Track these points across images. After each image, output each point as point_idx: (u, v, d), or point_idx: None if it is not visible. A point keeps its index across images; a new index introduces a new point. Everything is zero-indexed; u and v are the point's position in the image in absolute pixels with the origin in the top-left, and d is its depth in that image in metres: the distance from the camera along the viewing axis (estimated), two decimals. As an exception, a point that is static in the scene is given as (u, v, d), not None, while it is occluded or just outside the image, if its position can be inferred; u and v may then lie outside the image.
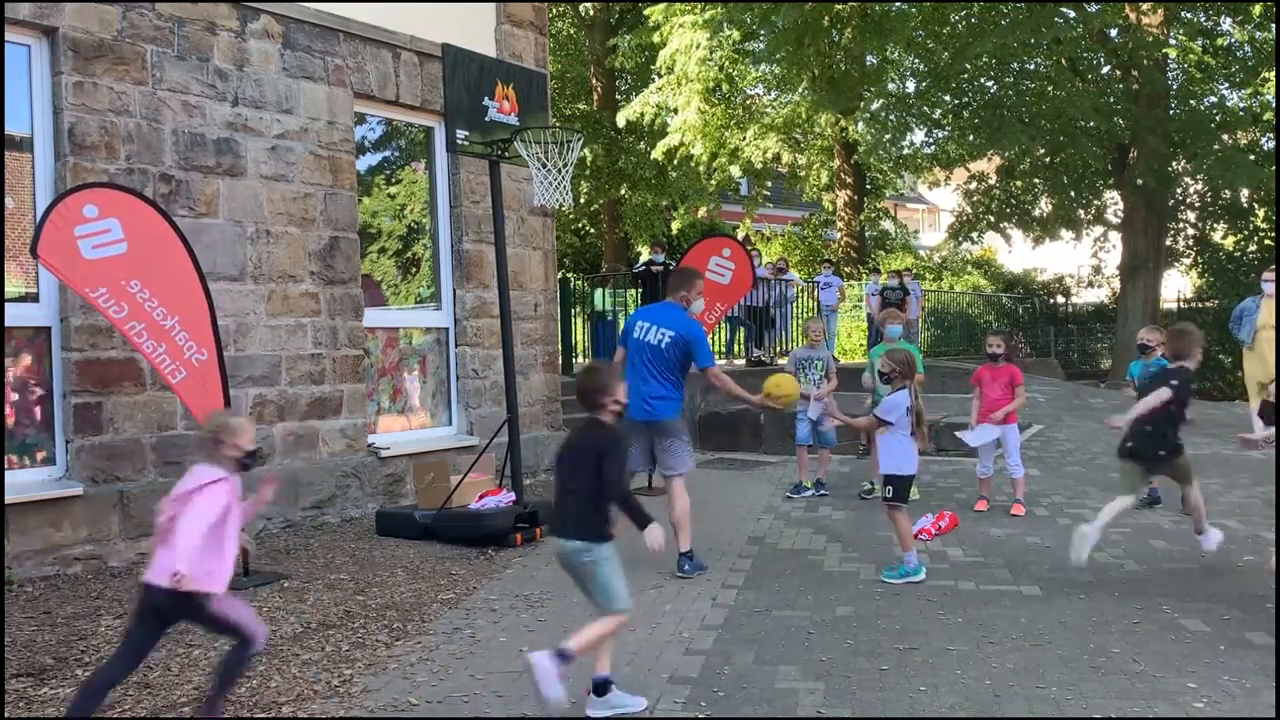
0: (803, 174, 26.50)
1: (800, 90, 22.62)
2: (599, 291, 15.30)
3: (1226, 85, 21.27)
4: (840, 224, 25.94)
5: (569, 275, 18.07)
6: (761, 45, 22.11)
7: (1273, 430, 5.82)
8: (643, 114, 21.44)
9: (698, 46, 20.00)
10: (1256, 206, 23.31)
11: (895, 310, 9.92)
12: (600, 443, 4.17)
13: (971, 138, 21.21)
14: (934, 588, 5.93)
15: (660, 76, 21.57)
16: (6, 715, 4.20)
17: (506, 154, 7.63)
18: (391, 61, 8.72)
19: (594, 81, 25.64)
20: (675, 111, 21.36)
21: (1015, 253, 28.37)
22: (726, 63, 21.32)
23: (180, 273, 6.25)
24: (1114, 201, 23.95)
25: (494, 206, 7.76)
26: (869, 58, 22.58)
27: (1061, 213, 23.44)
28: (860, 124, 22.23)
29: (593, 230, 28.99)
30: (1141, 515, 7.97)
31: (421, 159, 9.43)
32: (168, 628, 3.91)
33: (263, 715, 4.18)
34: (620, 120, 21.94)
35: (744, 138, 22.77)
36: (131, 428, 6.89)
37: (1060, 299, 28.77)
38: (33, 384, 6.64)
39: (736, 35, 21.00)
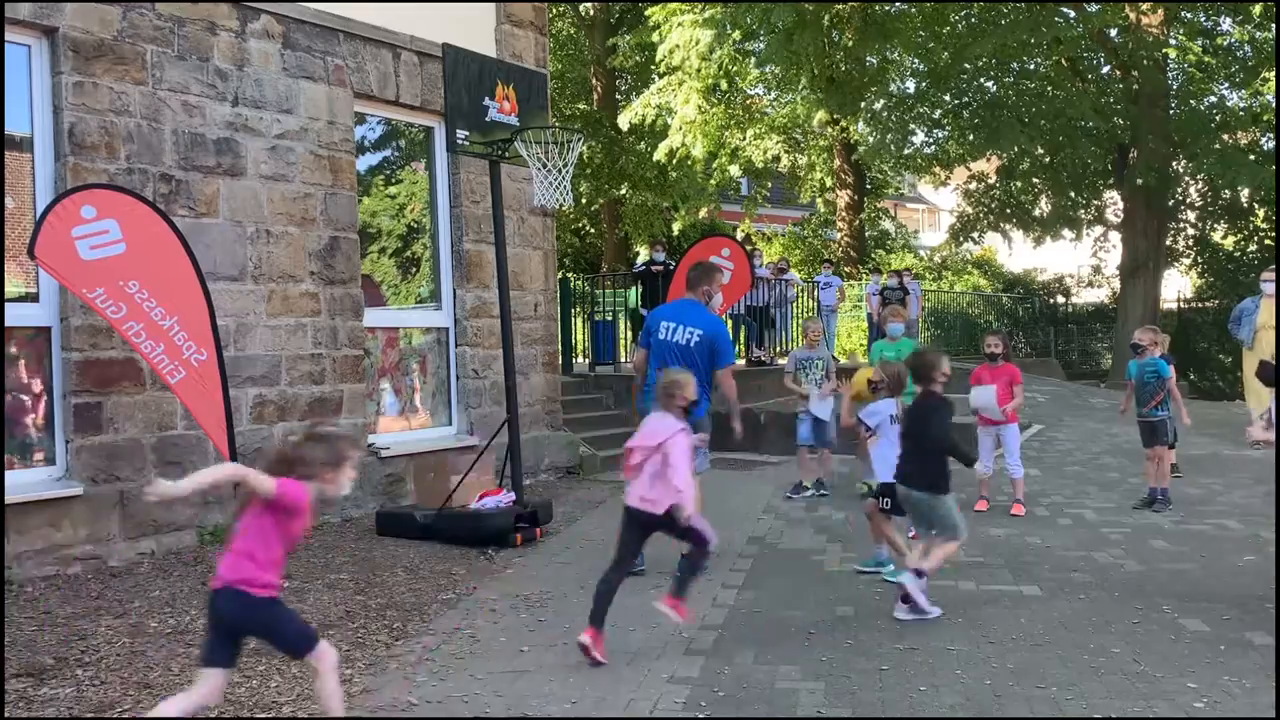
0: (803, 174, 26.50)
1: (800, 89, 22.61)
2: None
3: (1226, 85, 21.25)
4: (840, 224, 25.95)
5: (569, 275, 18.05)
6: (762, 45, 22.10)
7: (1271, 434, 5.81)
8: (644, 115, 21.43)
9: (697, 43, 20.00)
10: (1256, 206, 23.30)
11: (898, 308, 9.93)
12: (930, 408, 5.52)
13: (971, 138, 21.20)
14: (934, 588, 5.90)
15: (660, 77, 21.57)
16: (6, 715, 4.20)
17: (506, 154, 7.63)
18: (391, 61, 8.72)
19: (594, 81, 25.64)
20: (674, 112, 21.35)
21: (1015, 253, 28.36)
22: (727, 60, 21.31)
23: (179, 273, 6.25)
24: (1114, 201, 23.94)
25: (494, 206, 7.76)
26: (869, 59, 22.58)
27: (1061, 213, 23.43)
28: (861, 124, 22.23)
29: (593, 230, 28.99)
30: (1141, 515, 7.98)
31: (421, 159, 9.42)
32: (649, 536, 4.95)
33: (263, 715, 4.18)
34: (623, 123, 21.93)
35: (744, 138, 22.76)
36: (131, 428, 6.89)
37: (1060, 299, 28.75)
38: (33, 384, 6.64)
39: (737, 35, 21.00)
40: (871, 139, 21.39)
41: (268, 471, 3.51)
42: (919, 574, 5.31)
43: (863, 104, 21.89)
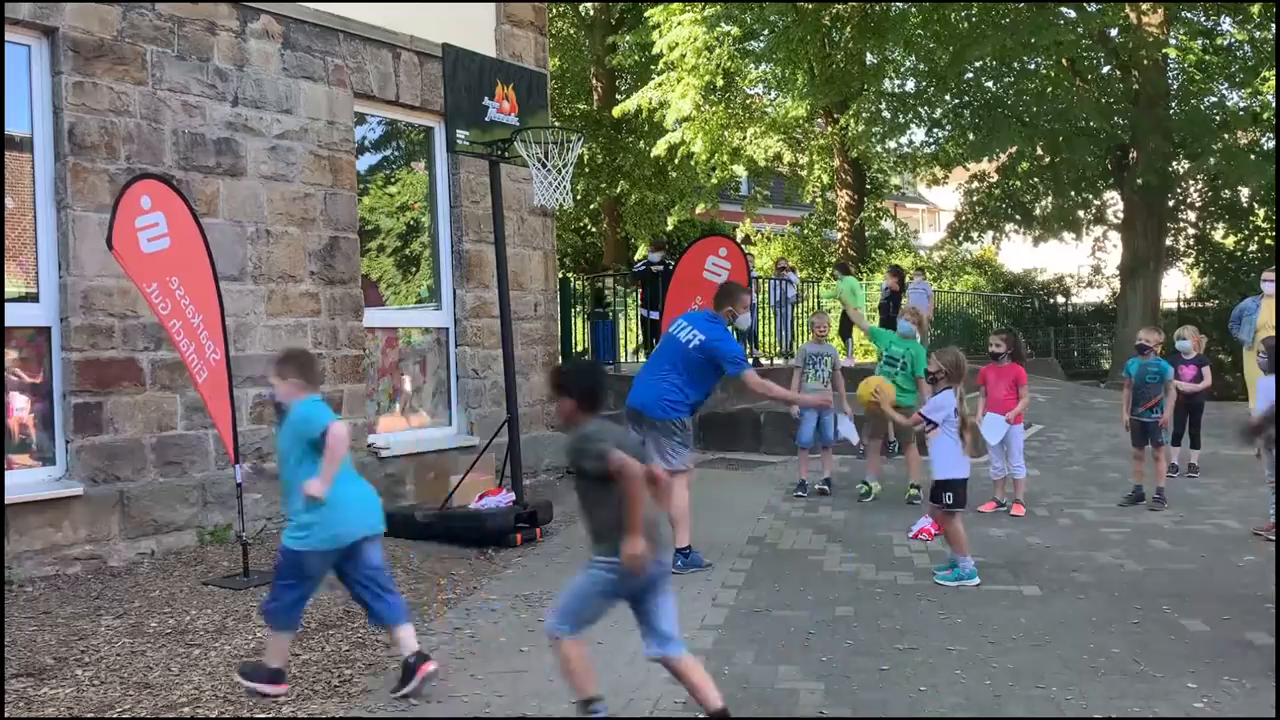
0: (803, 173, 26.49)
1: (799, 88, 22.61)
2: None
3: (1226, 85, 21.24)
4: (841, 224, 25.94)
5: (569, 275, 18.03)
6: (762, 45, 22.12)
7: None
8: (639, 107, 21.41)
9: (695, 40, 20.03)
10: (1256, 206, 23.30)
11: (914, 308, 9.94)
12: None
13: (971, 137, 21.19)
14: (934, 588, 5.93)
15: (658, 75, 21.56)
16: (6, 715, 4.20)
17: (506, 154, 7.63)
18: (391, 61, 8.71)
19: (594, 81, 25.63)
20: (670, 106, 21.32)
21: (1015, 253, 28.35)
22: (726, 58, 21.31)
23: (203, 271, 6.27)
24: (1114, 201, 23.93)
25: (494, 206, 7.76)
26: (869, 57, 22.58)
27: (1061, 213, 23.42)
28: (860, 124, 22.22)
29: (593, 230, 28.98)
30: (1142, 515, 7.97)
31: (421, 159, 9.42)
32: None
33: (263, 715, 4.18)
34: (615, 112, 21.90)
35: (744, 136, 22.75)
36: (131, 428, 6.89)
37: (1060, 299, 28.73)
38: (33, 384, 6.64)
39: (736, 32, 21.01)
40: (862, 130, 21.42)
41: None
42: None
43: (857, 100, 21.86)
